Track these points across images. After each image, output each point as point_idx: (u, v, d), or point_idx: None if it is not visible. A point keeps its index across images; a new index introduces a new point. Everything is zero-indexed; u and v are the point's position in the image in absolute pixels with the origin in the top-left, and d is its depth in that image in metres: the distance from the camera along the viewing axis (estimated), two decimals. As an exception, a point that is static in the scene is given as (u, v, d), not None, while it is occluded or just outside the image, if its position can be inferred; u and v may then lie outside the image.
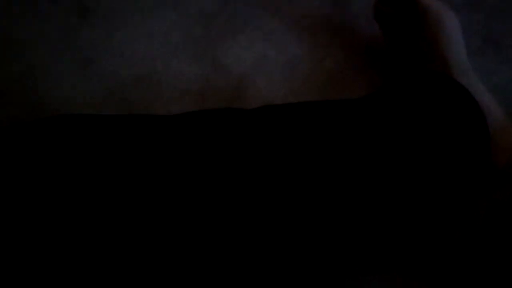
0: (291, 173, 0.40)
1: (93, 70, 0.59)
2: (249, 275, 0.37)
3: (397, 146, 0.44)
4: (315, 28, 0.64)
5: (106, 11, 0.62)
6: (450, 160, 0.46)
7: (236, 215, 0.37)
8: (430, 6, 0.54)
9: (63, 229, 0.34)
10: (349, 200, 0.41)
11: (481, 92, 0.52)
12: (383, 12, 0.60)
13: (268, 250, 0.37)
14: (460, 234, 0.49)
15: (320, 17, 0.65)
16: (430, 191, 0.45)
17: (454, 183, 0.46)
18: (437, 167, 0.45)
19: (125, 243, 0.34)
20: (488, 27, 0.64)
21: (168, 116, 0.43)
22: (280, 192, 0.39)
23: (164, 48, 0.62)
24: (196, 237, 0.36)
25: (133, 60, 0.61)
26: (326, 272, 0.40)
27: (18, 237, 0.33)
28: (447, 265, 0.49)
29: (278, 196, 0.39)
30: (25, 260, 0.33)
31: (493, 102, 0.52)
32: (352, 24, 0.64)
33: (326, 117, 0.45)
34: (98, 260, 0.34)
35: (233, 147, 0.39)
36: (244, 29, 0.64)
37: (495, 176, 0.52)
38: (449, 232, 0.48)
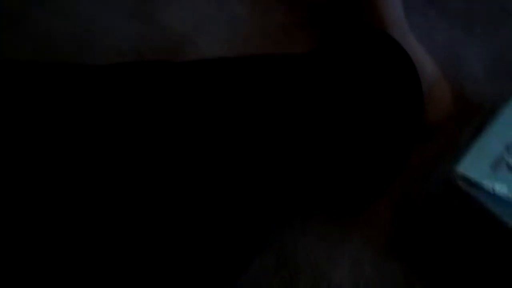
0: (218, 126, 0.39)
1: (25, 26, 0.57)
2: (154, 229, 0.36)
3: (332, 99, 0.44)
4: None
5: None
6: (383, 114, 0.46)
7: (155, 171, 0.36)
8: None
9: None
10: (283, 153, 0.41)
11: (416, 48, 0.52)
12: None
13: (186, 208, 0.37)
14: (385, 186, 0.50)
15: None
16: (363, 145, 0.45)
17: (388, 137, 0.47)
18: (370, 121, 0.45)
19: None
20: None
21: (99, 65, 0.42)
22: (207, 145, 0.38)
23: (101, 5, 0.59)
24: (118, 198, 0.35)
25: (68, 18, 0.58)
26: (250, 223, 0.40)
27: None
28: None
29: (204, 149, 0.38)
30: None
31: (427, 59, 0.53)
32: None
33: (262, 71, 0.44)
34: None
35: (160, 99, 0.38)
36: (185, -12, 0.62)
37: (428, 131, 0.53)
38: (378, 186, 0.49)
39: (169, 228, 0.37)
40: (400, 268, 0.50)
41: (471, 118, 0.52)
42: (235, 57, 0.47)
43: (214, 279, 0.40)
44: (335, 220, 0.52)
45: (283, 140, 0.41)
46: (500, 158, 0.43)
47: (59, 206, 0.34)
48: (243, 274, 0.43)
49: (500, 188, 0.41)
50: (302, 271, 0.49)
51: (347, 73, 0.47)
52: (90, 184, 0.34)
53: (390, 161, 0.48)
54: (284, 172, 0.41)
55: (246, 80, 0.43)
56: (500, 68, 0.60)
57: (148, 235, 0.36)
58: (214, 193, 0.38)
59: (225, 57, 0.46)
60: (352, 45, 0.50)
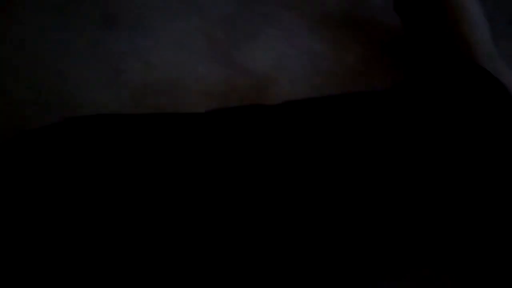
0: (312, 168, 0.40)
1: (121, 78, 0.61)
2: (253, 277, 0.38)
3: (423, 139, 0.44)
4: (336, 24, 0.64)
5: (130, 19, 0.64)
6: (478, 152, 0.45)
7: (250, 212, 0.38)
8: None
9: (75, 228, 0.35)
10: (376, 195, 0.41)
11: (509, 76, 0.51)
12: (403, 3, 0.59)
13: (281, 249, 0.38)
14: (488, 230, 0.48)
15: (340, 12, 0.65)
16: (459, 184, 0.44)
17: (484, 177, 0.46)
18: (464, 161, 0.44)
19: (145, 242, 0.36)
20: (513, 12, 0.62)
21: (193, 114, 0.44)
22: (299, 187, 0.39)
23: (187, 53, 0.63)
24: (207, 235, 0.37)
25: (158, 67, 0.62)
26: (340, 274, 0.40)
27: (23, 238, 0.34)
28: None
29: (296, 191, 0.39)
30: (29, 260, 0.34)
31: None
32: (372, 18, 0.64)
33: (349, 110, 0.45)
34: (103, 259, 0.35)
35: (255, 143, 0.40)
36: (266, 30, 0.64)
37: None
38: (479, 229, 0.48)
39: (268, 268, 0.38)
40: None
41: None
42: (323, 97, 0.48)
43: None
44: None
45: (374, 182, 0.41)
46: None
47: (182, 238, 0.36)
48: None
49: None
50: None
51: (435, 110, 0.46)
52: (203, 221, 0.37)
53: (497, 201, 0.47)
54: (380, 218, 0.41)
55: (339, 121, 0.44)
56: None
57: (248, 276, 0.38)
58: (314, 236, 0.39)
59: (313, 98, 0.48)
60: (438, 79, 0.50)
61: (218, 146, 0.40)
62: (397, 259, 0.44)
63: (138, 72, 0.61)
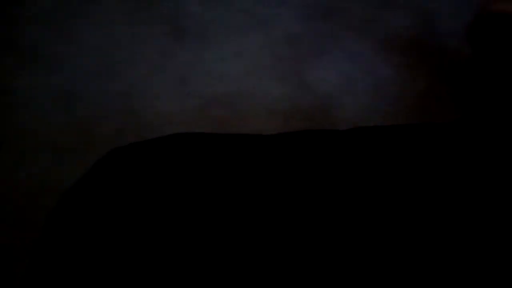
0: (382, 197, 0.39)
1: (186, 88, 0.63)
2: None
3: (487, 178, 0.43)
4: (404, 49, 0.64)
5: (199, 33, 0.66)
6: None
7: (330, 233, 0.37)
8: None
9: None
10: (444, 223, 0.40)
11: None
12: (477, 34, 0.58)
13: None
14: None
15: (409, 38, 0.64)
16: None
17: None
18: None
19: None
20: None
21: (271, 136, 0.45)
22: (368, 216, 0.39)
23: (252, 67, 0.64)
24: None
25: (223, 79, 0.63)
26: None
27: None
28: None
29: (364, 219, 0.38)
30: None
31: None
32: (442, 46, 0.63)
33: (418, 141, 0.44)
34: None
35: (328, 168, 0.39)
36: (330, 50, 0.64)
37: None
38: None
39: None
40: None
41: None
42: (389, 126, 0.47)
43: None
44: None
45: (440, 211, 0.40)
46: None
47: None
48: None
49: None
50: None
51: (497, 145, 0.45)
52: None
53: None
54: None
55: (408, 152, 0.43)
56: None
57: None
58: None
59: (384, 126, 0.47)
60: (504, 116, 0.48)
61: (296, 168, 0.40)
62: None
63: (203, 84, 0.62)
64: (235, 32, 0.66)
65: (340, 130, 0.45)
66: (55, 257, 0.35)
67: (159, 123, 0.59)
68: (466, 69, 0.61)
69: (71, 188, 0.37)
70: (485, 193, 0.41)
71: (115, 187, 0.36)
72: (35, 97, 0.61)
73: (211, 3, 0.66)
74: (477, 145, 0.45)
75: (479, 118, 0.49)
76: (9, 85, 0.61)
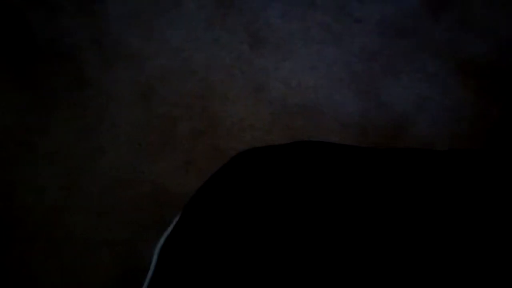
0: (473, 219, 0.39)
1: (263, 95, 0.63)
2: None
3: None
4: (481, 74, 0.63)
5: (276, 43, 0.67)
6: None
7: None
8: None
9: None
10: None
11: None
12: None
13: None
14: None
15: (487, 63, 0.64)
16: None
17: None
18: None
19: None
20: None
21: (377, 149, 0.44)
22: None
23: (327, 80, 0.64)
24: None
25: (298, 89, 0.64)
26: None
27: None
28: None
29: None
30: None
31: None
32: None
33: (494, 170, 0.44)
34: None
35: (429, 188, 0.39)
36: (406, 69, 0.64)
37: None
38: None
39: None
40: None
41: None
42: (485, 150, 0.46)
43: None
44: None
45: None
46: None
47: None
48: None
49: None
50: None
51: None
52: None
53: None
54: None
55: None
56: None
57: None
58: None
59: (472, 150, 0.46)
60: None
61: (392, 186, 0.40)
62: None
63: (278, 91, 0.63)
64: (312, 45, 0.67)
65: (437, 150, 0.44)
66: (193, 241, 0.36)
67: (233, 126, 0.60)
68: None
69: (208, 180, 0.39)
70: None
71: (248, 184, 0.37)
72: (115, 92, 0.63)
73: (291, 15, 0.67)
74: None
75: None
76: (91, 79, 0.63)
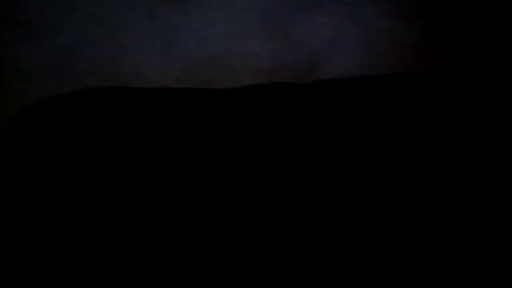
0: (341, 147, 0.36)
1: (172, 51, 0.61)
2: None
3: (478, 121, 0.38)
4: (398, 0, 0.58)
5: (187, -5, 0.64)
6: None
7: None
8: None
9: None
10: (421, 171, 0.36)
11: None
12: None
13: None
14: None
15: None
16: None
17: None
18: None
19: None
20: None
21: (231, 89, 0.42)
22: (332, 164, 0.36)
23: (238, 27, 0.61)
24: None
25: (208, 41, 0.61)
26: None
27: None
28: None
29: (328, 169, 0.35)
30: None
31: None
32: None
33: (402, 89, 0.40)
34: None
35: (280, 125, 0.37)
36: (322, 3, 0.60)
37: None
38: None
39: None
40: None
41: None
42: (369, 75, 0.43)
43: None
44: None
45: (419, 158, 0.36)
46: None
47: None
48: None
49: None
50: None
51: (492, 95, 0.40)
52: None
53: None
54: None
55: (385, 100, 0.39)
56: None
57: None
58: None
59: (356, 77, 0.43)
60: (502, 69, 0.43)
61: (241, 128, 0.38)
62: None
63: (188, 46, 0.61)
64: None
65: (299, 84, 0.41)
66: None
67: (143, 84, 0.59)
68: (463, 18, 0.55)
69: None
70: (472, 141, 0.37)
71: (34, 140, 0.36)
72: (30, 66, 0.62)
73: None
74: (464, 95, 0.40)
75: (464, 71, 0.44)
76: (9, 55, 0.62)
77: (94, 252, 0.34)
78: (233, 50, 0.60)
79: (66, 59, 0.62)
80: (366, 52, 0.57)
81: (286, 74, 0.58)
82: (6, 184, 0.34)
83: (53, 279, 0.33)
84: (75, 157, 0.35)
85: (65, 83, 0.61)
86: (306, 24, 0.60)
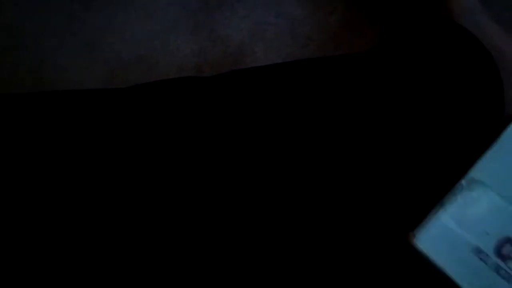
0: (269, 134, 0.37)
1: (96, 53, 0.61)
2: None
3: (401, 99, 0.40)
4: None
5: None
6: (457, 112, 0.41)
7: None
8: None
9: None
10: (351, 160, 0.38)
11: (492, 32, 0.45)
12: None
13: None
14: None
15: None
16: (437, 142, 0.40)
17: (462, 136, 0.41)
18: (443, 119, 0.40)
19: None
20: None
21: (122, 88, 0.43)
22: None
23: (162, 26, 0.61)
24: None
25: (133, 41, 0.61)
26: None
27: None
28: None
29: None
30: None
31: (507, 43, 0.45)
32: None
33: (320, 74, 0.42)
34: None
35: (185, 117, 0.37)
36: (243, -2, 0.61)
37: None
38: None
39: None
40: None
41: None
42: (287, 62, 0.44)
43: None
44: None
45: (349, 145, 0.38)
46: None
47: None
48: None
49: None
50: None
51: (415, 67, 0.42)
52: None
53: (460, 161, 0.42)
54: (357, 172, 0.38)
55: (303, 85, 0.41)
56: None
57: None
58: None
59: (276, 64, 0.44)
60: (417, 37, 0.45)
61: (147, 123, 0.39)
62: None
63: (112, 48, 0.60)
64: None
65: (209, 76, 0.42)
66: None
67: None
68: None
69: None
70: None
71: None
72: None
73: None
74: (380, 74, 0.42)
75: (385, 47, 0.46)
76: None
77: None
78: (158, 48, 0.60)
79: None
80: (287, 42, 0.59)
81: (213, 69, 0.59)
82: None
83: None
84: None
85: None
86: (229, 18, 0.61)
